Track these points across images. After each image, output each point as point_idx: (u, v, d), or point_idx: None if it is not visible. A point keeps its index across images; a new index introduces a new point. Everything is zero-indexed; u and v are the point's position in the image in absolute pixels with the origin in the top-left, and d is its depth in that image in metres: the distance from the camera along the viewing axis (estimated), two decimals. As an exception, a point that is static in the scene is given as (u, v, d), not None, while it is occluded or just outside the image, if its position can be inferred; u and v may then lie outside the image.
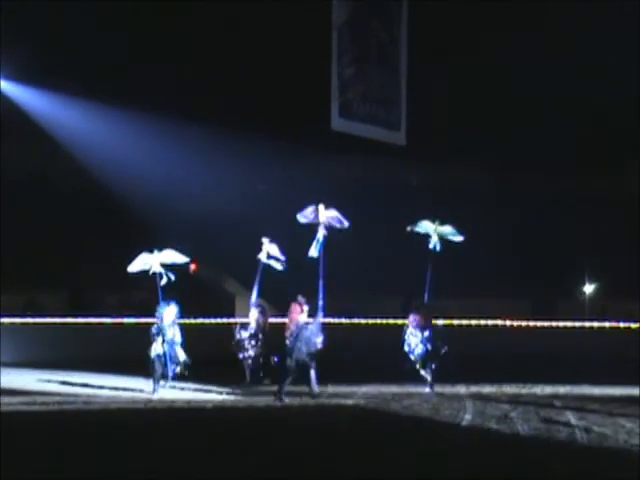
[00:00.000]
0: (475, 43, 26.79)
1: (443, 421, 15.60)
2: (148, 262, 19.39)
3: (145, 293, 26.29)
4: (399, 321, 20.89)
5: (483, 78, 27.17)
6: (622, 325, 26.67)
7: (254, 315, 20.14)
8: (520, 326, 26.85)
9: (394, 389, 19.17)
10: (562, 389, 19.57)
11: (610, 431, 14.63)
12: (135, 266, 19.43)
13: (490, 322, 26.61)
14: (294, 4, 25.84)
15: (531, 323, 26.95)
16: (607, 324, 26.74)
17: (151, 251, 19.35)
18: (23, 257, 26.84)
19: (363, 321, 26.26)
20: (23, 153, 27.11)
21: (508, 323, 26.77)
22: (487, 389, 19.43)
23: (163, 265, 19.29)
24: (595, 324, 26.75)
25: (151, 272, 19.31)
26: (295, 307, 18.27)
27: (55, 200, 27.68)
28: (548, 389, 19.60)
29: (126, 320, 25.37)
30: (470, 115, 27.12)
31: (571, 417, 15.83)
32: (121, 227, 27.10)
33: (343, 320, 25.27)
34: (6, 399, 17.17)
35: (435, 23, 26.69)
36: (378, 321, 25.99)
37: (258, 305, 20.32)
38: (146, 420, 15.74)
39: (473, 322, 26.47)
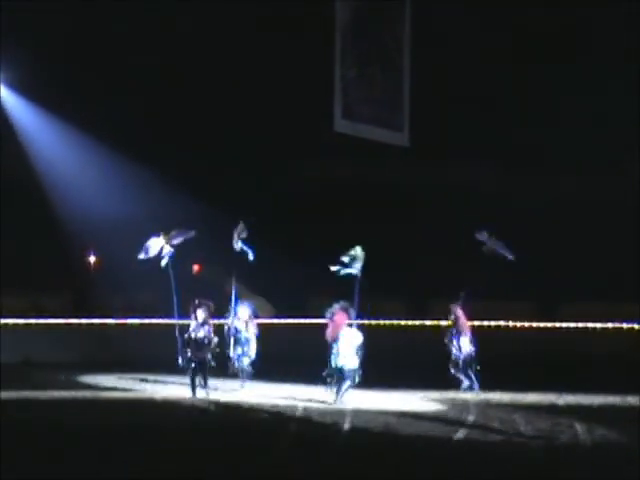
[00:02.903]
0: (476, 43, 26.79)
1: (446, 424, 15.66)
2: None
3: (150, 294, 26.39)
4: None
5: (483, 78, 27.19)
6: (625, 326, 26.68)
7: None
8: (523, 327, 26.85)
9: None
10: (564, 391, 19.55)
11: (613, 434, 14.68)
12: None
13: (493, 323, 26.61)
14: (297, 6, 25.84)
15: (534, 324, 26.95)
16: (610, 325, 26.76)
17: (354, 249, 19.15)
18: (25, 259, 26.82)
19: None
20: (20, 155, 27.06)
21: (511, 324, 26.76)
22: (490, 392, 19.39)
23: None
24: (598, 325, 26.77)
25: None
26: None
27: (56, 200, 27.65)
28: (551, 392, 19.57)
29: (130, 321, 25.46)
30: (470, 115, 27.11)
31: (573, 420, 15.86)
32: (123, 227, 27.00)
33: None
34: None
35: (437, 24, 26.70)
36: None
37: None
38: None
39: (476, 323, 26.44)
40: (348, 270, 19.04)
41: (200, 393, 18.04)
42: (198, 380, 18.10)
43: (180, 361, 18.25)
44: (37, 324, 25.02)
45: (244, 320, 19.49)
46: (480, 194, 27.76)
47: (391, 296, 26.53)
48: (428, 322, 25.53)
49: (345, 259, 19.06)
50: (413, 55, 27.16)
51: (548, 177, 28.19)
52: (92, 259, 26.90)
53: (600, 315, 26.87)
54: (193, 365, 18.07)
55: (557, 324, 26.90)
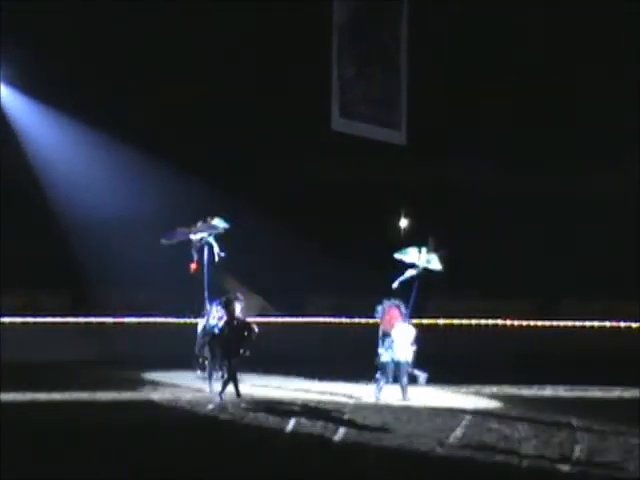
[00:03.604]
0: (475, 42, 26.81)
1: (441, 420, 15.68)
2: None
3: (149, 292, 26.39)
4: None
5: (483, 77, 27.21)
6: (623, 325, 26.74)
7: None
8: (521, 326, 26.89)
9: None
10: (563, 390, 19.60)
11: (610, 431, 14.69)
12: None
13: (490, 322, 26.65)
14: (295, 4, 25.83)
15: (532, 323, 26.99)
16: (607, 323, 26.80)
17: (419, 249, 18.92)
18: (24, 257, 26.79)
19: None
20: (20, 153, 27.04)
21: (508, 323, 26.80)
22: (487, 389, 19.46)
23: None
24: (596, 323, 26.82)
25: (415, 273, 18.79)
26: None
27: (55, 198, 27.64)
28: (549, 390, 19.62)
29: (127, 320, 25.46)
30: (469, 115, 27.13)
31: (571, 418, 15.87)
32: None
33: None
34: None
35: (436, 22, 26.72)
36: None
37: None
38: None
39: (473, 322, 26.50)
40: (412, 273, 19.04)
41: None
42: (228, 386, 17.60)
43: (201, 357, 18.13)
44: (35, 323, 25.03)
45: (218, 317, 19.39)
46: (480, 194, 27.77)
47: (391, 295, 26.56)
48: (425, 321, 25.57)
49: (419, 262, 18.99)
50: (411, 54, 27.15)
51: (548, 177, 28.20)
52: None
53: (600, 313, 26.97)
54: (225, 361, 17.76)
55: (557, 322, 26.95)
